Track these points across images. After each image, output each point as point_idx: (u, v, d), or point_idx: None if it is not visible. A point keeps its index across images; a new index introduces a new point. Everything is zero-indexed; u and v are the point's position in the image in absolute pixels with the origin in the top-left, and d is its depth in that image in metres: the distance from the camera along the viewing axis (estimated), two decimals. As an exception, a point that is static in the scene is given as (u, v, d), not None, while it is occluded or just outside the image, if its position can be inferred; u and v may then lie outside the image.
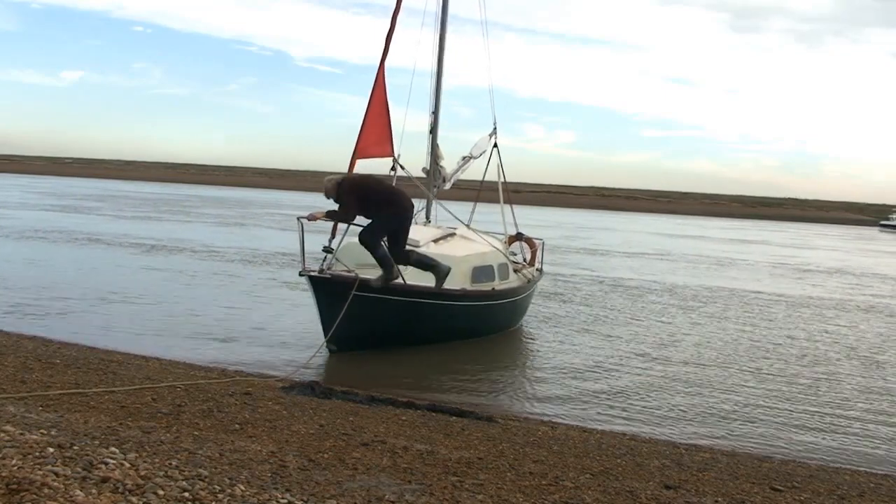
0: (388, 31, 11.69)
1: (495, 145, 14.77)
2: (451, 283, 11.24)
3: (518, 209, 15.84)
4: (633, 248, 35.76)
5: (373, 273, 10.34)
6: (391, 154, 12.52)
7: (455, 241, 12.59)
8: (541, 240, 15.83)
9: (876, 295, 22.81)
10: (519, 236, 15.16)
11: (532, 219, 14.57)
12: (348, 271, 10.16)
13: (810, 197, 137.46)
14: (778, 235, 61.05)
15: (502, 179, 15.00)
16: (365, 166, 11.63)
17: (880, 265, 35.50)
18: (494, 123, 14.81)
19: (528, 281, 13.80)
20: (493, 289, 12.22)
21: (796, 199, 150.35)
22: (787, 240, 55.58)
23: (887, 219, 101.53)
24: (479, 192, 14.71)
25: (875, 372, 11.71)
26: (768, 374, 11.12)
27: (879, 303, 20.88)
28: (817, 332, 15.21)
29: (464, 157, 14.58)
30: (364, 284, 9.87)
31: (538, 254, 15.33)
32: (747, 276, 26.25)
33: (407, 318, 10.57)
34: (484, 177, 14.80)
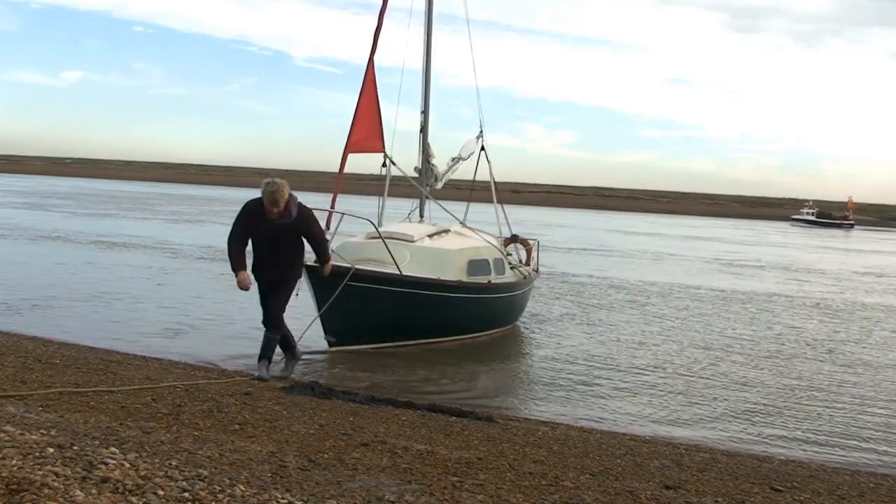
0: (375, 26, 11.76)
1: (482, 148, 14.90)
2: (445, 276, 11.35)
3: (513, 209, 15.97)
4: (577, 244, 36.28)
5: (376, 267, 10.46)
6: (382, 149, 12.56)
7: (450, 237, 12.71)
8: (535, 240, 15.91)
9: (819, 290, 23.18)
10: (514, 238, 15.27)
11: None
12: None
13: (810, 197, 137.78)
14: (737, 233, 62.95)
15: (493, 180, 15.13)
16: (359, 164, 11.69)
17: (821, 261, 36.57)
18: (481, 126, 14.94)
19: (525, 278, 13.90)
20: (489, 282, 12.32)
21: (796, 200, 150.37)
22: (744, 237, 57.25)
23: (799, 213, 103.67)
24: (471, 192, 14.82)
25: (859, 370, 11.74)
26: (764, 373, 11.12)
27: (824, 298, 21.15)
28: (786, 328, 15.43)
29: (453, 159, 14.77)
30: (358, 275, 9.91)
31: (533, 254, 15.41)
32: (680, 270, 27.10)
33: (403, 309, 10.65)
34: (474, 178, 14.95)
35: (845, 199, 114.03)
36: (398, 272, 10.56)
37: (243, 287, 7.72)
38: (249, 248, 8.00)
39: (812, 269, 31.16)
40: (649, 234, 51.65)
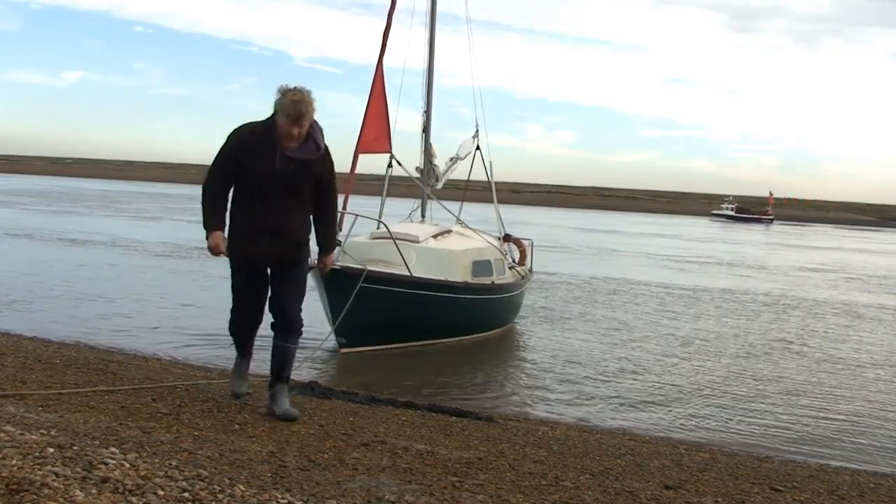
0: (384, 27, 11.78)
1: (478, 147, 14.96)
2: (451, 277, 11.42)
3: (513, 209, 16.12)
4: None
5: (383, 268, 10.45)
6: (389, 150, 12.63)
7: (453, 237, 12.82)
8: (529, 240, 15.97)
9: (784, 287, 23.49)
10: (507, 237, 15.30)
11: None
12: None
13: (810, 197, 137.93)
14: (695, 230, 64.23)
15: (491, 180, 15.20)
16: (359, 164, 11.69)
17: (767, 257, 37.50)
18: (476, 125, 15.00)
19: (523, 278, 14.01)
20: (493, 282, 12.42)
21: (796, 200, 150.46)
22: (702, 234, 58.41)
23: (719, 209, 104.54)
24: (465, 192, 14.88)
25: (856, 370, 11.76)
26: (764, 372, 11.13)
27: (800, 295, 21.50)
28: (767, 326, 15.58)
29: (451, 158, 14.86)
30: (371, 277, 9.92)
31: (527, 254, 15.45)
32: (623, 264, 28.13)
33: (414, 310, 10.71)
34: (469, 177, 15.03)
35: (840, 200, 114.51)
36: (409, 274, 10.61)
37: (214, 251, 5.06)
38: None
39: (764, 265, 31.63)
40: (607, 232, 52.29)
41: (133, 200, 56.55)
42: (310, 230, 5.26)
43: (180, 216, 40.68)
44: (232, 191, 5.10)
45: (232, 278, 5.25)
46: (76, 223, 32.09)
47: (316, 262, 5.48)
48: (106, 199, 56.83)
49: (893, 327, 16.82)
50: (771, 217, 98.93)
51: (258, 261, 5.08)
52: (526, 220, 56.64)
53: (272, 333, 5.35)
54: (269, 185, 4.93)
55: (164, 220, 38.19)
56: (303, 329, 5.35)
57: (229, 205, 5.13)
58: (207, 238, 5.04)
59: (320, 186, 5.15)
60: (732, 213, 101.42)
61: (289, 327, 5.23)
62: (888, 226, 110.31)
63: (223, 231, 5.08)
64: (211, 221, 5.05)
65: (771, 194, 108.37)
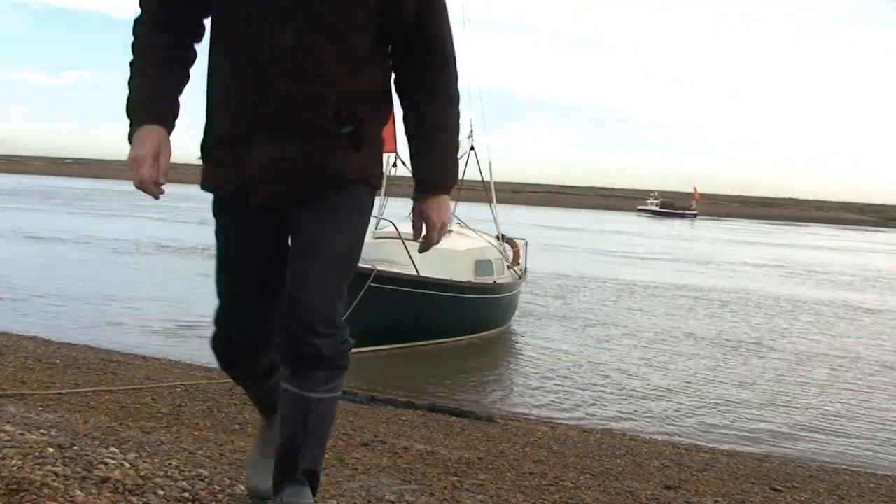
0: None
1: (472, 147, 14.96)
2: (456, 276, 11.48)
3: (509, 209, 16.16)
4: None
5: (388, 267, 10.45)
6: (394, 149, 12.65)
7: (454, 237, 12.86)
8: (523, 240, 15.99)
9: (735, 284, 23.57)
10: (501, 238, 15.32)
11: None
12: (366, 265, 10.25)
13: (810, 197, 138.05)
14: (662, 228, 64.38)
15: (489, 179, 15.24)
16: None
17: (717, 252, 37.71)
18: (471, 125, 14.98)
19: (520, 278, 14.11)
20: (494, 282, 12.50)
21: (796, 200, 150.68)
22: (667, 232, 58.68)
23: (644, 204, 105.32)
24: (459, 191, 14.90)
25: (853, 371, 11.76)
26: (763, 371, 11.14)
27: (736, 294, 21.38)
28: (765, 324, 15.58)
29: None
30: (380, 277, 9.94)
31: (521, 254, 15.46)
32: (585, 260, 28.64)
33: (421, 310, 10.76)
34: (463, 177, 15.03)
35: (800, 197, 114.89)
36: (417, 273, 10.65)
37: (134, 176, 2.09)
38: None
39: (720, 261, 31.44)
40: (566, 229, 52.22)
41: (105, 198, 56.74)
42: (382, 119, 2.51)
43: (148, 213, 40.75)
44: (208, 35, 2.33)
45: (215, 235, 2.37)
46: (37, 220, 31.93)
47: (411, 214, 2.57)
48: (76, 196, 57.19)
49: (864, 323, 16.88)
50: (695, 212, 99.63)
51: (257, 189, 2.20)
52: (488, 217, 56.92)
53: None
54: (264, 9, 2.12)
55: (130, 217, 38.42)
56: (349, 350, 2.50)
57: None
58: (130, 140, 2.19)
59: (402, 21, 2.22)
60: (657, 209, 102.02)
61: (308, 345, 2.35)
62: (888, 226, 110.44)
63: (164, 125, 2.28)
64: (134, 101, 2.24)
65: (696, 190, 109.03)
